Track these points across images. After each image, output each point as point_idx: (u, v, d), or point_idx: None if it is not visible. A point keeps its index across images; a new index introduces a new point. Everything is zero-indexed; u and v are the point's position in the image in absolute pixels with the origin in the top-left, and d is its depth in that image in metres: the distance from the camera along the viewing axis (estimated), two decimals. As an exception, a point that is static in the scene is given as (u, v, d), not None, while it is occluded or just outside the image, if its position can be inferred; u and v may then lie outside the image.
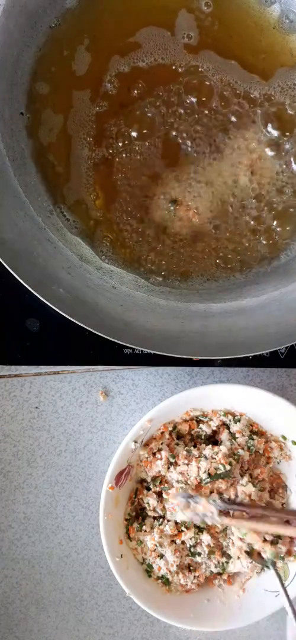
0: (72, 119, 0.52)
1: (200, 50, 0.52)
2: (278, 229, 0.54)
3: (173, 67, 0.52)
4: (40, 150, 0.52)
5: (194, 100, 0.52)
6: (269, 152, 0.53)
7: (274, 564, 0.53)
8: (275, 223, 0.54)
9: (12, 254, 0.45)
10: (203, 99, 0.52)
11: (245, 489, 0.53)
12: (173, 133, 0.53)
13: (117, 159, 0.53)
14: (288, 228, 0.54)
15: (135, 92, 0.52)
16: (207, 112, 0.53)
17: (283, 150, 0.53)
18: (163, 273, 0.54)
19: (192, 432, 0.56)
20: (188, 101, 0.52)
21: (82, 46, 0.52)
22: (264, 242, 0.54)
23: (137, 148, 0.53)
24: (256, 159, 0.52)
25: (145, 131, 0.53)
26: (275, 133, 0.53)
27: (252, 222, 0.53)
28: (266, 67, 0.53)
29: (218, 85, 0.52)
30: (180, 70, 0.52)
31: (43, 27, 0.51)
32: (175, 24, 0.52)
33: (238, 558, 0.55)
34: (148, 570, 0.56)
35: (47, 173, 0.53)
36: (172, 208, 0.53)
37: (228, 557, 0.56)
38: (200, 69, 0.52)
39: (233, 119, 0.53)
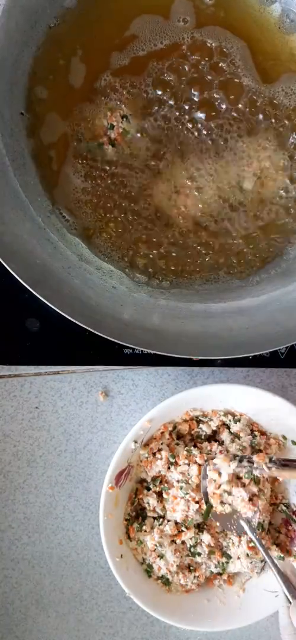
0: (71, 117, 0.52)
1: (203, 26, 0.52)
2: (278, 232, 0.54)
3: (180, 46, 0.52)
4: (40, 150, 0.52)
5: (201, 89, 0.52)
6: (276, 161, 0.53)
7: None
8: (276, 225, 0.54)
9: (12, 254, 0.45)
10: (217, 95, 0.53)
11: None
12: (179, 126, 0.53)
13: (117, 156, 0.53)
14: (289, 230, 0.54)
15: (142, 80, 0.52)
16: (220, 109, 0.52)
17: (290, 159, 0.53)
18: (163, 273, 0.54)
19: (192, 432, 0.56)
20: (195, 96, 0.52)
21: (81, 46, 0.52)
22: (264, 243, 0.54)
23: (138, 144, 0.53)
24: (263, 166, 0.52)
25: (145, 126, 0.53)
26: (284, 142, 0.53)
27: (253, 224, 0.53)
28: (268, 68, 0.53)
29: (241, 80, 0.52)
30: (183, 48, 0.52)
31: (43, 27, 0.51)
32: (170, 9, 0.52)
33: (238, 558, 0.55)
34: (148, 571, 0.56)
35: (46, 173, 0.52)
36: (173, 203, 0.53)
37: (228, 557, 0.56)
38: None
39: (245, 123, 0.53)
